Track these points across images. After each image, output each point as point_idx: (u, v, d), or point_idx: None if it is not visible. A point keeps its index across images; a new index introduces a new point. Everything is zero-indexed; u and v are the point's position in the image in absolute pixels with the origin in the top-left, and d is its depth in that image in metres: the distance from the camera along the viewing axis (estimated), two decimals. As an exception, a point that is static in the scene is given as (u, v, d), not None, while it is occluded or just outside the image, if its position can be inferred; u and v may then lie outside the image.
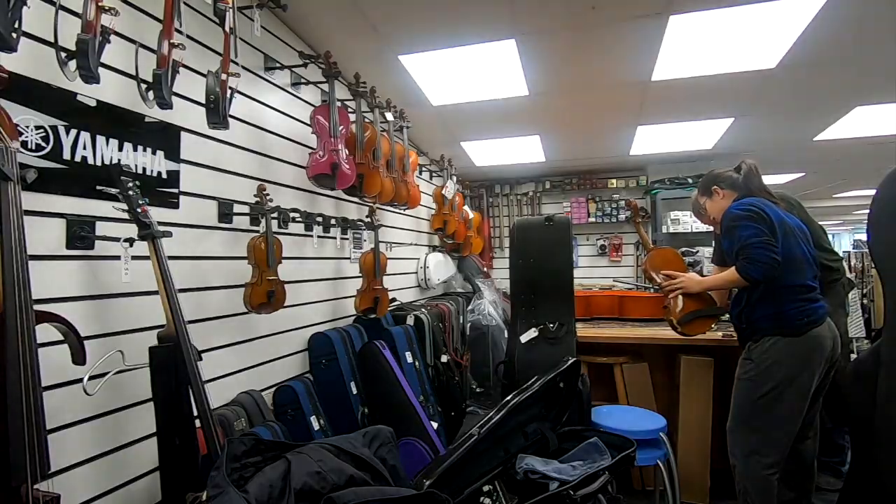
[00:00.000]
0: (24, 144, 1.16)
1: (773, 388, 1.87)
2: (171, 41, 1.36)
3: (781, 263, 1.82)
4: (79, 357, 1.12)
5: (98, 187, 1.33)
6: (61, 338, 1.11)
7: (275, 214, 2.01)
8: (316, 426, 2.07)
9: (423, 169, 4.45)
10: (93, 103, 1.34)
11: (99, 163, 1.35)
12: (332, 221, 2.58)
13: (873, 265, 1.84)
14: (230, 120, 1.62)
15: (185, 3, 1.61)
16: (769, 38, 2.51)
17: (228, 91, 1.56)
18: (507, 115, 3.62)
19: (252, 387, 1.96)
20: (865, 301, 4.43)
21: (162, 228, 1.36)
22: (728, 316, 2.17)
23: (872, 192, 1.80)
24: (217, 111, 1.52)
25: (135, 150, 1.47)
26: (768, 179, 2.10)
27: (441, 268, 4.44)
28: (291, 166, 2.32)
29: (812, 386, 1.89)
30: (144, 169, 1.51)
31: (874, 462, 1.69)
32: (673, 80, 2.98)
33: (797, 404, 1.88)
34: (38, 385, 0.95)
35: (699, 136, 4.30)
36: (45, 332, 1.08)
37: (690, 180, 5.04)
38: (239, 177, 1.96)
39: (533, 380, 1.91)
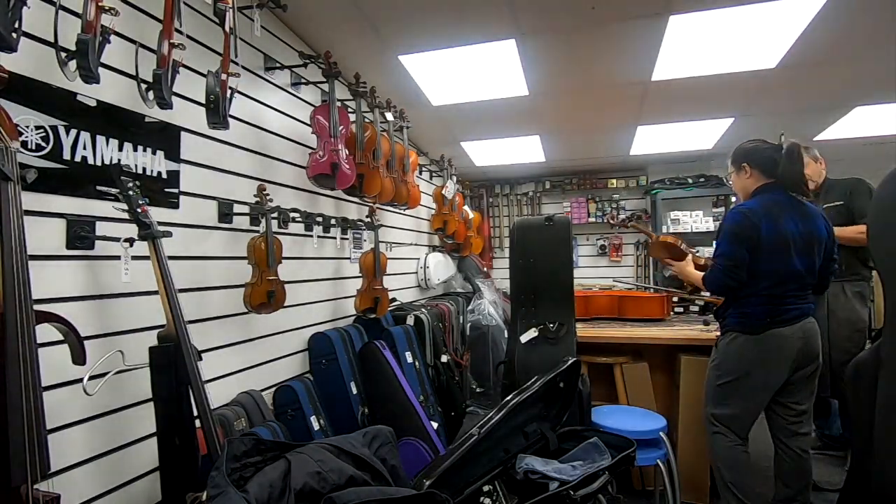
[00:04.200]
0: (24, 144, 1.16)
1: (732, 380, 2.02)
2: (171, 41, 1.36)
3: (741, 285, 1.97)
4: (79, 357, 1.12)
5: (98, 187, 1.34)
6: (61, 338, 1.11)
7: (275, 214, 2.01)
8: (316, 426, 2.07)
9: (423, 169, 4.45)
10: (93, 103, 1.34)
11: (99, 163, 1.35)
12: (332, 221, 2.58)
13: (873, 265, 1.84)
14: (230, 120, 1.62)
15: (185, 3, 1.61)
16: (769, 38, 2.51)
17: (228, 91, 1.57)
18: (507, 115, 3.62)
19: (252, 387, 1.96)
20: (866, 301, 4.43)
21: (162, 228, 1.36)
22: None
23: (872, 192, 1.80)
24: (217, 111, 1.52)
25: (135, 150, 1.47)
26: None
27: (441, 268, 4.44)
28: (291, 166, 2.32)
29: (773, 381, 1.99)
30: (144, 169, 1.51)
31: (874, 462, 1.69)
32: (673, 80, 2.98)
33: (755, 395, 2.01)
34: (38, 385, 0.95)
35: (699, 136, 4.30)
36: (45, 332, 1.08)
37: (690, 180, 5.05)
38: (239, 177, 1.96)
39: (533, 380, 1.91)
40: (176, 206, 1.64)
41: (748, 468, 2.02)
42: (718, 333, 2.52)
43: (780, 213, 1.96)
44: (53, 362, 1.17)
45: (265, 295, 1.89)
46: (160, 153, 1.57)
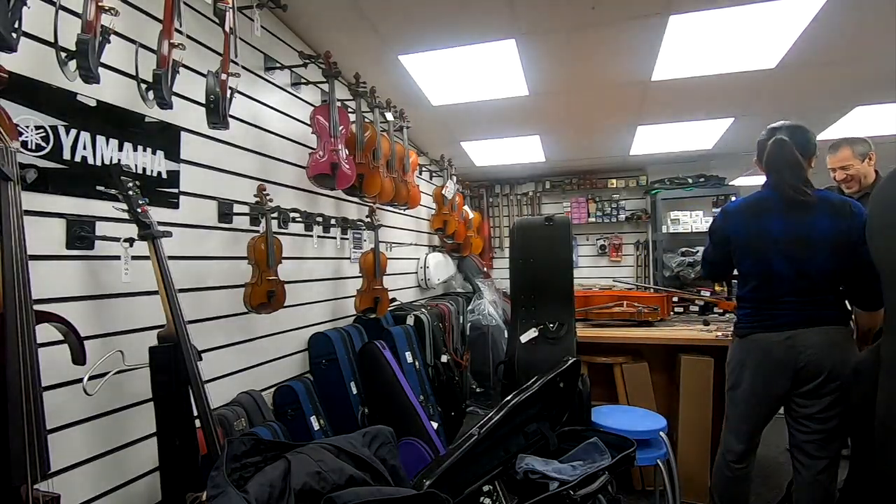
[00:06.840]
0: (24, 144, 1.16)
1: (732, 385, 1.98)
2: (171, 41, 1.36)
3: (714, 274, 2.18)
4: (79, 357, 1.12)
5: (98, 187, 1.33)
6: (61, 338, 1.11)
7: (275, 214, 2.01)
8: (316, 426, 2.07)
9: (423, 169, 4.45)
10: (93, 103, 1.34)
11: (99, 163, 1.35)
12: (332, 221, 2.58)
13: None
14: (230, 120, 1.62)
15: (185, 3, 1.61)
16: (769, 38, 2.51)
17: (228, 91, 1.56)
18: (507, 115, 3.62)
19: (252, 387, 1.96)
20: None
21: (162, 228, 1.36)
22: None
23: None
24: (217, 111, 1.52)
25: (135, 150, 1.47)
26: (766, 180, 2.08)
27: (441, 268, 4.44)
28: (291, 166, 2.32)
29: (764, 389, 1.88)
30: (144, 169, 1.51)
31: (874, 462, 1.69)
32: (673, 80, 2.98)
33: (748, 400, 1.92)
34: (38, 385, 0.95)
35: (699, 136, 4.29)
36: (45, 332, 1.08)
37: (690, 180, 5.05)
38: (239, 177, 1.96)
39: (533, 380, 1.91)
40: (176, 206, 1.64)
41: (732, 496, 1.99)
42: (719, 334, 2.56)
43: (762, 212, 1.87)
44: (53, 362, 1.17)
45: (265, 295, 1.89)
46: (160, 153, 1.57)
